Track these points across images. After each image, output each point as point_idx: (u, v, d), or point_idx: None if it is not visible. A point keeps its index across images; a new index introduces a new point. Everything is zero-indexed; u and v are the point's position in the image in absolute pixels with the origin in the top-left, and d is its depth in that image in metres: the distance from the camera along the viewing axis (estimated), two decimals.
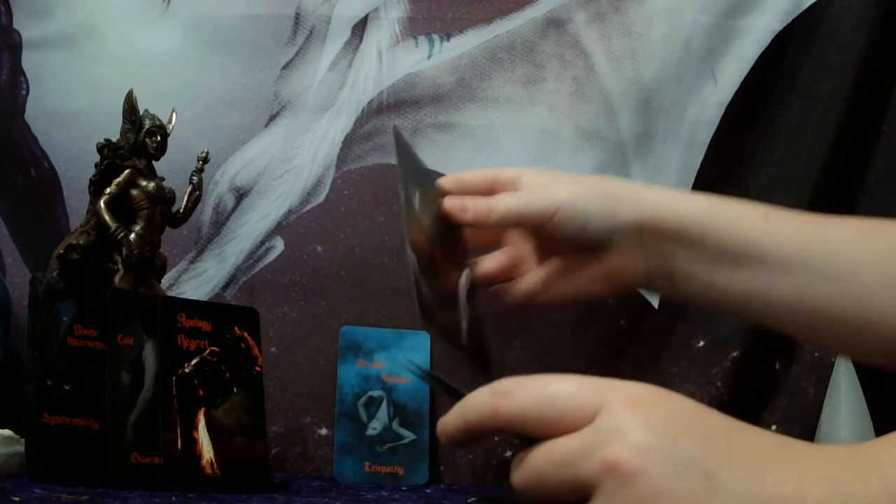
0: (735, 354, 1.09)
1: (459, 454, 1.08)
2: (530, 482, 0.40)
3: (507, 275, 0.66)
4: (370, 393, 1.06)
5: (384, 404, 1.06)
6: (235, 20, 1.15)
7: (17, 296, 0.99)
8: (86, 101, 1.13)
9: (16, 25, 1.16)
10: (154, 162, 0.92)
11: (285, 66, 1.14)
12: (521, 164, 1.11)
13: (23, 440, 0.80)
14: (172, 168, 0.95)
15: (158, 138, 0.91)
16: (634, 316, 1.10)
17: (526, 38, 1.13)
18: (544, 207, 0.60)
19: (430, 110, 1.13)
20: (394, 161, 1.11)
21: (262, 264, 1.12)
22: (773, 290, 0.57)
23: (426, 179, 0.64)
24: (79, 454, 0.78)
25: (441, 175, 0.65)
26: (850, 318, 0.55)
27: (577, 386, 0.40)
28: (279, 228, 1.13)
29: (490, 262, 0.65)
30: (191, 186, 0.95)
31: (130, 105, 0.90)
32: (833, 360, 1.02)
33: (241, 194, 1.13)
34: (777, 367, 1.10)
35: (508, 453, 1.08)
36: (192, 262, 1.13)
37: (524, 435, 0.41)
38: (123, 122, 0.91)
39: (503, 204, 0.61)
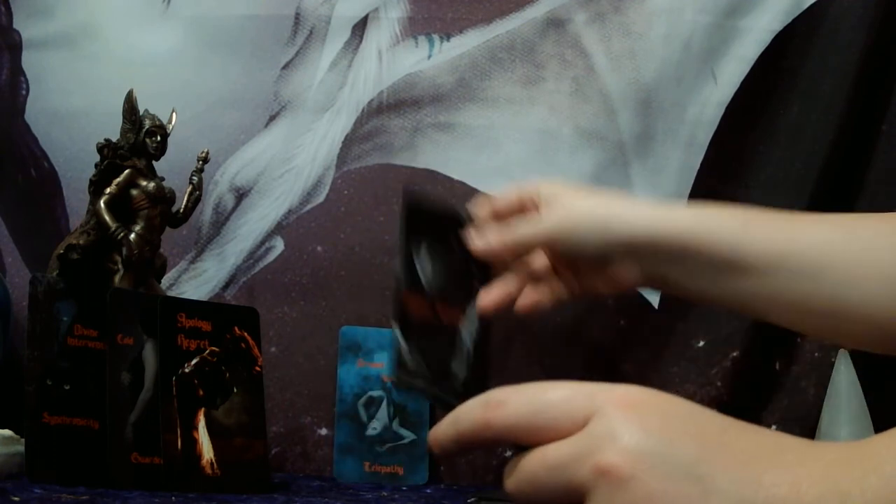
0: (735, 354, 1.09)
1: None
2: (524, 488, 0.39)
3: (516, 296, 0.70)
4: (370, 393, 1.06)
5: (384, 404, 1.06)
6: (235, 20, 1.14)
7: (17, 296, 0.99)
8: (86, 101, 1.13)
9: (16, 25, 1.16)
10: (154, 162, 0.92)
11: (285, 66, 1.14)
12: (521, 164, 1.11)
13: (23, 440, 0.80)
14: (172, 168, 0.95)
15: (158, 138, 0.92)
16: (634, 316, 1.10)
17: (526, 38, 1.13)
18: (548, 232, 0.67)
19: (430, 110, 1.13)
20: (394, 161, 1.13)
21: (262, 264, 1.12)
22: (757, 292, 0.63)
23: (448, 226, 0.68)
24: (79, 454, 0.78)
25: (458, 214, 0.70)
26: (826, 310, 0.61)
27: (570, 392, 0.40)
28: (279, 228, 1.13)
29: (496, 293, 0.68)
30: (191, 186, 0.95)
31: (130, 105, 0.91)
32: (833, 360, 1.02)
33: (241, 194, 1.13)
34: (777, 366, 1.10)
35: (508, 453, 1.07)
36: (192, 262, 1.13)
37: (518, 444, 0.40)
38: (123, 122, 0.91)
39: (518, 232, 0.68)
